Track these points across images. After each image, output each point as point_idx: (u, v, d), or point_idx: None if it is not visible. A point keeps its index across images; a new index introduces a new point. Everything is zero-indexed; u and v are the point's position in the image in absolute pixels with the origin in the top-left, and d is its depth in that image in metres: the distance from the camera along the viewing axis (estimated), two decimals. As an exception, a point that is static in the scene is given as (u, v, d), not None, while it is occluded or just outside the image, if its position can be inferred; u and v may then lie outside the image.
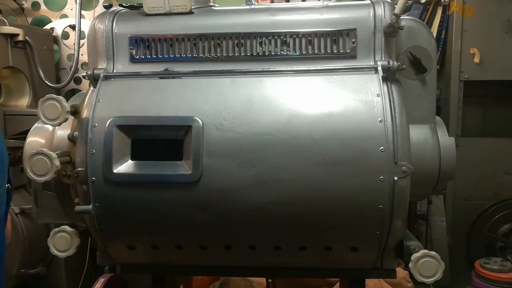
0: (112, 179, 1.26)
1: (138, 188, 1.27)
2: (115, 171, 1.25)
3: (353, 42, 1.35)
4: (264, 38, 1.38)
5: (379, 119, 1.22)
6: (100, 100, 1.31)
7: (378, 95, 1.24)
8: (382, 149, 1.20)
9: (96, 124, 1.28)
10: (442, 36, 2.73)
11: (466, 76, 2.67)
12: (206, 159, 1.23)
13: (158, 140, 1.29)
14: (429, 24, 2.74)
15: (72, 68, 2.72)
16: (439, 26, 2.72)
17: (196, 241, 1.32)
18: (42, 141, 1.46)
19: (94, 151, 1.27)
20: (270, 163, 1.22)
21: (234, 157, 1.23)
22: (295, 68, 1.35)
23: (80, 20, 2.67)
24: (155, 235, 1.34)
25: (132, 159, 1.28)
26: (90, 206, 1.27)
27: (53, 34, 3.05)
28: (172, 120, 1.27)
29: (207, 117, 1.25)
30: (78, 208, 1.28)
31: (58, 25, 3.11)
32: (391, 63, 1.28)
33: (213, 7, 1.50)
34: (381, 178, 1.19)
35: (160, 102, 1.31)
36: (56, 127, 1.40)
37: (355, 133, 1.21)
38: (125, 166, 1.27)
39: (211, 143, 1.24)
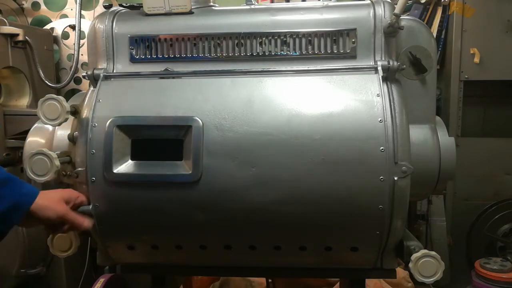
0: (112, 179, 1.26)
1: (138, 188, 1.27)
2: (115, 171, 1.25)
3: (353, 42, 1.35)
4: (264, 38, 1.38)
5: (379, 119, 1.22)
6: (100, 100, 1.31)
7: (378, 95, 1.24)
8: (382, 149, 1.20)
9: (96, 124, 1.28)
10: (442, 36, 2.74)
11: (466, 76, 2.67)
12: (206, 159, 1.23)
13: (158, 140, 1.29)
14: (429, 24, 2.74)
15: (72, 68, 2.72)
16: (439, 26, 2.72)
17: (196, 241, 1.32)
18: (42, 141, 1.46)
19: (94, 151, 1.26)
20: (270, 163, 1.22)
21: (234, 157, 1.23)
22: (295, 68, 1.35)
23: (80, 20, 2.67)
24: (155, 235, 1.33)
25: (132, 159, 1.28)
26: (90, 206, 1.27)
27: (53, 34, 3.05)
28: (172, 120, 1.27)
29: (207, 117, 1.25)
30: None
31: (58, 25, 3.11)
32: (391, 63, 1.28)
33: (213, 7, 1.50)
34: (381, 178, 1.19)
35: (160, 102, 1.31)
36: (56, 127, 1.40)
37: (355, 133, 1.21)
38: (125, 166, 1.27)
39: (211, 143, 1.24)
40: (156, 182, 1.26)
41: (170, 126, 1.27)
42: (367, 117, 1.22)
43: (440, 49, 2.72)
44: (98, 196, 1.27)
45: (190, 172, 1.23)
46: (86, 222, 1.25)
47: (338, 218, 1.24)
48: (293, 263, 1.42)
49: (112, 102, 1.32)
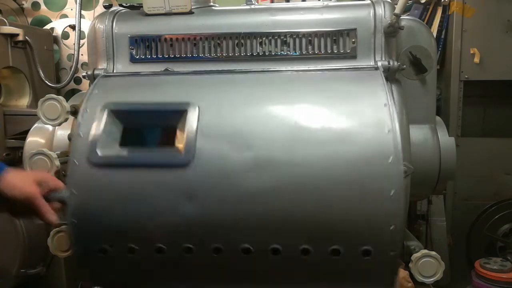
0: (95, 161, 1.16)
1: (122, 172, 1.17)
2: (99, 153, 1.16)
3: (353, 42, 1.35)
4: (264, 38, 1.38)
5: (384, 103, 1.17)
6: (96, 92, 1.28)
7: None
8: (388, 131, 1.13)
9: (88, 110, 1.22)
10: (442, 36, 2.73)
11: (466, 76, 2.67)
12: (200, 141, 1.14)
13: (151, 129, 1.22)
14: (429, 24, 2.73)
15: (72, 68, 2.72)
16: (439, 26, 2.71)
17: (180, 240, 1.16)
18: (42, 141, 1.46)
19: (82, 134, 1.19)
20: (269, 146, 1.14)
21: (230, 139, 1.15)
22: (295, 68, 1.35)
23: (80, 20, 2.67)
24: (134, 232, 1.17)
25: (120, 146, 1.19)
26: (66, 192, 1.16)
27: (53, 34, 3.05)
28: (167, 105, 1.22)
29: (204, 104, 1.20)
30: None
31: (58, 25, 3.11)
32: (391, 63, 1.29)
33: (213, 7, 1.50)
34: (390, 161, 1.10)
35: (157, 93, 1.29)
36: (56, 127, 1.40)
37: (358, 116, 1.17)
38: (112, 150, 1.18)
39: (206, 126, 1.16)
40: (143, 165, 1.16)
41: (164, 112, 1.21)
42: (370, 103, 1.18)
43: (440, 49, 2.72)
44: (77, 181, 1.16)
45: (181, 154, 1.14)
46: (53, 216, 1.11)
47: (345, 205, 1.11)
48: (293, 273, 1.19)
49: (108, 93, 1.30)
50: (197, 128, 1.16)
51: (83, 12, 2.84)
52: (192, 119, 1.17)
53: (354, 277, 1.18)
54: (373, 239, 1.12)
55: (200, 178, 1.12)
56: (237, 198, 1.12)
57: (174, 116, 1.19)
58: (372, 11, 1.35)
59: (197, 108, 1.18)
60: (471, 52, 2.64)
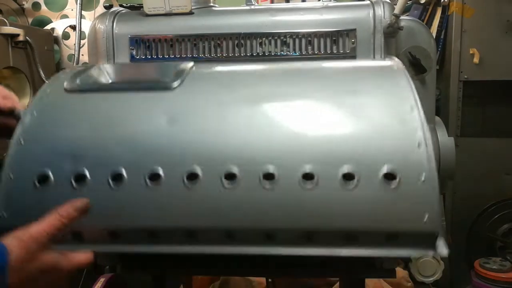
0: (69, 87, 1.04)
1: (98, 95, 1.05)
2: (78, 81, 1.04)
3: (353, 43, 1.36)
4: (264, 39, 1.38)
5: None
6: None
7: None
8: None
9: (78, 68, 1.20)
10: (442, 37, 2.74)
11: (466, 76, 2.67)
12: (191, 75, 1.10)
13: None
14: (429, 24, 2.74)
15: (73, 69, 2.72)
16: (438, 26, 2.72)
17: (146, 161, 0.91)
18: (43, 141, 1.46)
19: (64, 70, 1.14)
20: (271, 91, 1.06)
21: (225, 84, 1.08)
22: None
23: (80, 20, 2.68)
24: (91, 152, 0.91)
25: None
26: (22, 111, 1.03)
27: (54, 34, 3.06)
28: (162, 64, 1.26)
29: (199, 64, 1.22)
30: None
31: (58, 26, 3.12)
32: (390, 63, 1.29)
33: (213, 8, 1.51)
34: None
35: None
36: (57, 127, 1.40)
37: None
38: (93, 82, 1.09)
39: (200, 74, 1.14)
40: (123, 89, 1.06)
41: (159, 70, 1.21)
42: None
43: (439, 49, 2.72)
44: (42, 103, 1.02)
45: (169, 80, 1.05)
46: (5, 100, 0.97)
47: (357, 115, 0.94)
48: (292, 206, 0.87)
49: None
50: (190, 69, 1.14)
51: (83, 12, 2.85)
52: (184, 66, 1.16)
53: (376, 212, 0.88)
54: (395, 158, 0.87)
55: (186, 101, 1.00)
56: (223, 124, 0.96)
57: (169, 72, 1.15)
58: (371, 12, 1.36)
59: (191, 63, 1.19)
60: (471, 52, 2.65)
